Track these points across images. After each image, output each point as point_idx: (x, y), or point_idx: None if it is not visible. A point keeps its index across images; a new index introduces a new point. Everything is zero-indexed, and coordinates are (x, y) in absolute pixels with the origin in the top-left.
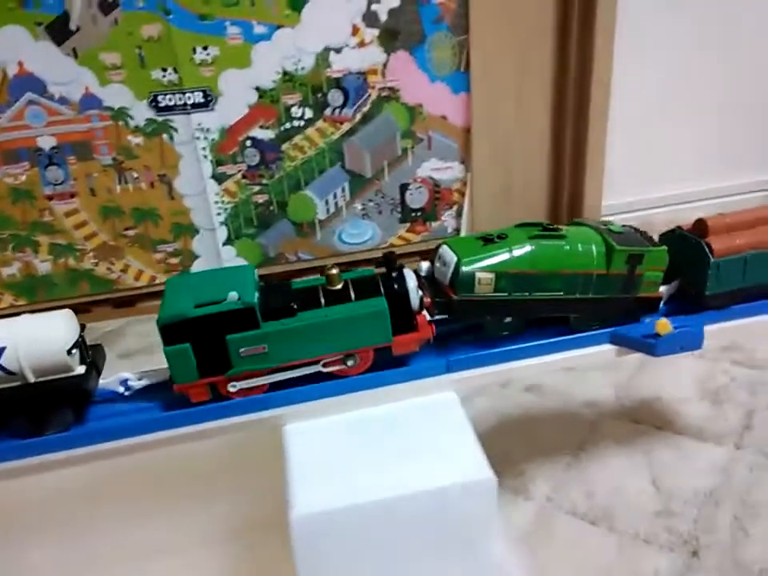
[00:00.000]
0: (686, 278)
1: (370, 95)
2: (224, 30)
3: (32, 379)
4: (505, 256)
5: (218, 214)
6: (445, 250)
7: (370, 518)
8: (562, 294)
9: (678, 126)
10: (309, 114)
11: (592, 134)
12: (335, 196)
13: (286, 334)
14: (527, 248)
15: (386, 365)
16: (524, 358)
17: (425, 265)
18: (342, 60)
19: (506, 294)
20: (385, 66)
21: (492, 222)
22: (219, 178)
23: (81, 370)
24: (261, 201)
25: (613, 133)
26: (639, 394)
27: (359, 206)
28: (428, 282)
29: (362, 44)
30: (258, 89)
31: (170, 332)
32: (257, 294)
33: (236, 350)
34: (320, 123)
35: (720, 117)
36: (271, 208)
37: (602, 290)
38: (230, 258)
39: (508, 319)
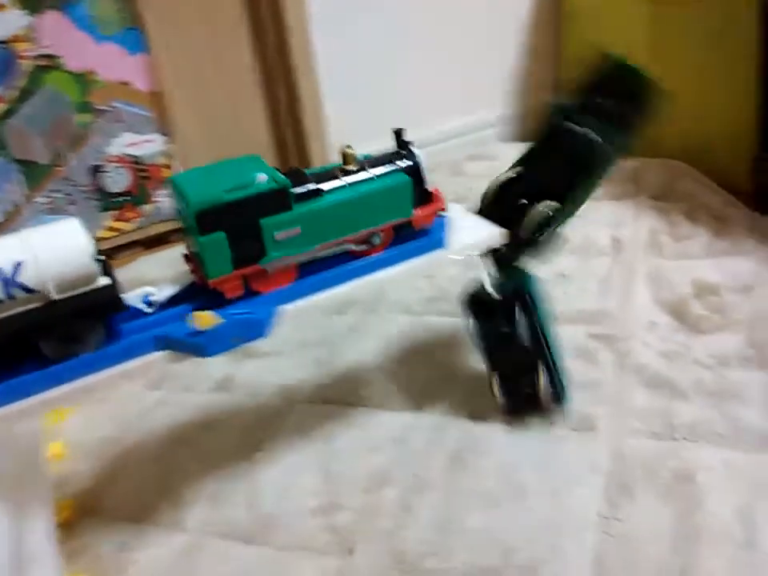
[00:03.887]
0: None
1: (21, 67)
2: None
3: (56, 295)
4: None
5: None
6: None
7: None
8: None
9: (405, 69)
10: None
11: (303, 80)
12: (6, 192)
13: (319, 214)
14: None
15: None
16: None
17: None
18: None
19: None
20: (33, 30)
21: None
22: None
23: (106, 280)
24: None
25: (337, 80)
26: (338, 367)
27: (43, 200)
28: None
29: None
30: None
31: (205, 219)
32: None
33: (271, 234)
34: None
35: (447, 57)
36: None
37: None
38: None
39: None
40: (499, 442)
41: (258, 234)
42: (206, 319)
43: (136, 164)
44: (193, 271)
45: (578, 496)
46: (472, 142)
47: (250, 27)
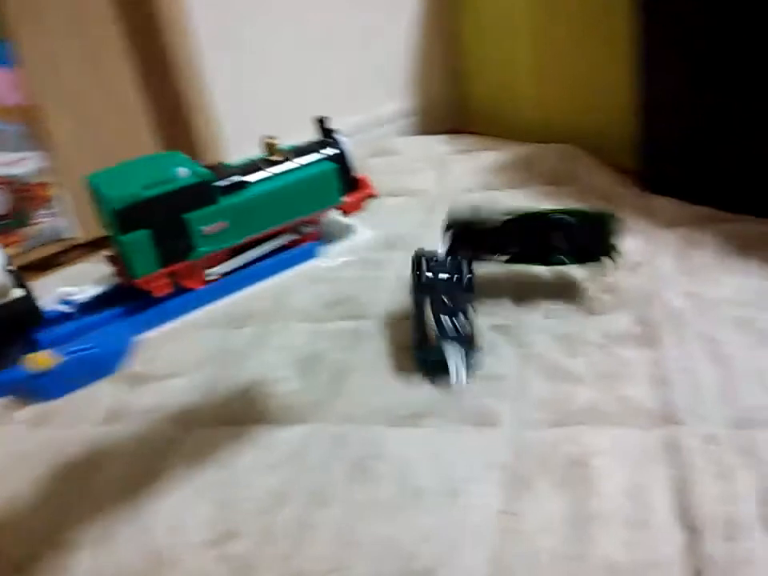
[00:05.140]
0: None
1: None
2: None
3: None
4: None
5: None
6: None
7: None
8: None
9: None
10: None
11: (186, 81)
12: None
13: (246, 205)
14: None
15: None
16: None
17: None
18: None
19: None
20: None
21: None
22: None
23: (20, 292)
24: None
25: (228, 81)
26: (236, 384)
27: None
28: None
29: None
30: None
31: (126, 217)
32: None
33: (198, 229)
34: None
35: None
36: None
37: None
38: None
39: None
40: (399, 445)
41: (184, 229)
42: (41, 361)
43: (14, 184)
44: (118, 273)
45: (477, 494)
46: (373, 137)
47: (125, 30)
